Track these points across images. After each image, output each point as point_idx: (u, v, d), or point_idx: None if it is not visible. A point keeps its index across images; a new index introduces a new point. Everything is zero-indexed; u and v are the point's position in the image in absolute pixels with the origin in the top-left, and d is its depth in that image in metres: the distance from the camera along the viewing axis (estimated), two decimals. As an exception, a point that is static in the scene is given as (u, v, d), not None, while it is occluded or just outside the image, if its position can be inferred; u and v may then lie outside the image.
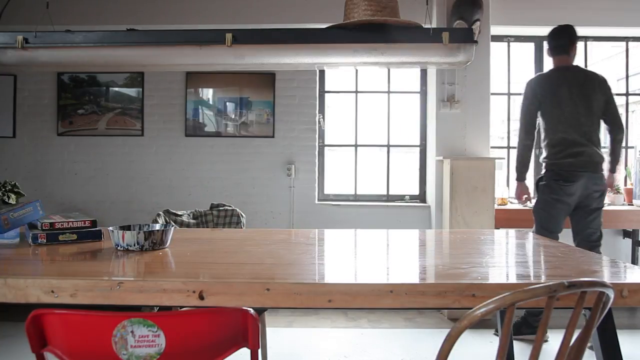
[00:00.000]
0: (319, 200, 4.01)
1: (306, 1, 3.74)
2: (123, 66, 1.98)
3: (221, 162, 4.00)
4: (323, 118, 4.07)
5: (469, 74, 3.50)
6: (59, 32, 1.69)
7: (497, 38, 3.92)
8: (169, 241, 1.63)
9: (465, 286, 1.15)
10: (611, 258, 1.50)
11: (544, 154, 2.95)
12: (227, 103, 3.99)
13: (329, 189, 4.08)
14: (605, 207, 3.61)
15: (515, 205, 3.68)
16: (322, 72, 4.07)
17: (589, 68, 4.44)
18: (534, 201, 3.04)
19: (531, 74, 4.10)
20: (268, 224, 3.96)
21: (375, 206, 3.94)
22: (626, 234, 3.87)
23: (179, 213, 2.52)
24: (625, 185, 3.89)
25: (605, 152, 2.99)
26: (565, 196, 2.84)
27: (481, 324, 2.65)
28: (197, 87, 4.00)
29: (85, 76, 4.00)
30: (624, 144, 4.08)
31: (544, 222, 2.93)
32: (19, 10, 3.17)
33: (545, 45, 3.10)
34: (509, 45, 4.03)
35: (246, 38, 1.62)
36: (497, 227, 3.35)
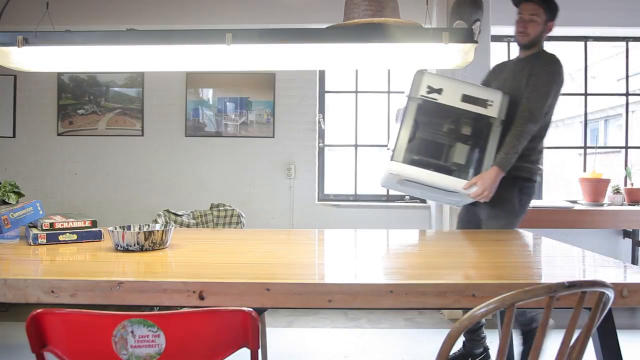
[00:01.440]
0: (319, 200, 4.01)
1: (306, 1, 3.74)
2: (123, 66, 1.98)
3: (221, 162, 4.00)
4: (323, 118, 4.07)
5: (469, 74, 3.49)
6: (59, 32, 1.69)
7: (497, 38, 3.92)
8: (169, 241, 1.63)
9: (465, 286, 1.15)
10: (611, 258, 1.50)
11: (535, 156, 2.39)
12: (227, 103, 3.99)
13: (329, 189, 4.08)
14: (605, 207, 3.62)
15: (515, 205, 3.67)
16: (322, 72, 4.07)
17: (589, 68, 4.45)
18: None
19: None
20: (268, 224, 3.96)
21: (375, 206, 3.94)
22: (626, 234, 3.88)
23: (179, 213, 2.52)
24: (625, 185, 3.89)
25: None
26: None
27: (481, 324, 2.65)
28: (197, 87, 4.00)
29: (85, 76, 4.00)
30: (623, 144, 4.11)
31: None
32: (19, 10, 3.17)
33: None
34: (509, 45, 4.03)
35: (246, 38, 1.61)
36: (497, 227, 3.35)
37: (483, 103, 2.20)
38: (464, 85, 2.29)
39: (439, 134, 2.29)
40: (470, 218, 2.49)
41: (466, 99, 2.20)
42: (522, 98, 2.28)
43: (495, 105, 2.21)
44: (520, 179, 2.30)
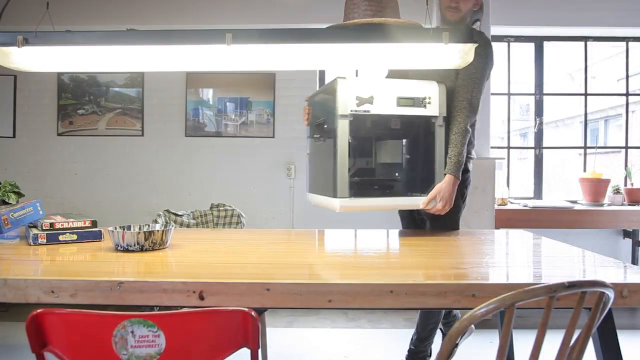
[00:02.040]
0: (319, 200, 4.00)
1: (306, 1, 3.74)
2: (123, 66, 1.98)
3: (221, 162, 4.00)
4: (323, 118, 4.07)
5: (469, 74, 3.49)
6: (59, 32, 1.69)
7: (497, 38, 3.92)
8: (169, 241, 1.63)
9: (465, 286, 1.15)
10: (611, 258, 1.50)
11: (469, 146, 2.23)
12: (227, 103, 3.99)
13: (329, 189, 4.08)
14: (605, 207, 3.62)
15: (515, 206, 3.68)
16: (322, 72, 4.06)
17: (589, 68, 4.45)
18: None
19: (531, 74, 4.11)
20: (268, 224, 3.96)
21: (375, 206, 3.94)
22: (626, 234, 3.88)
23: (179, 213, 2.52)
24: (625, 185, 3.89)
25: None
26: None
27: (481, 324, 2.65)
28: (197, 87, 4.00)
29: (85, 76, 4.00)
30: (623, 144, 4.11)
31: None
32: (19, 10, 3.17)
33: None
34: (509, 45, 4.03)
35: (246, 38, 1.61)
36: (497, 227, 3.35)
37: (421, 102, 1.94)
38: (395, 84, 1.98)
39: (379, 148, 2.03)
40: (413, 217, 2.37)
41: (402, 102, 1.92)
42: (455, 85, 2.08)
43: (434, 101, 1.95)
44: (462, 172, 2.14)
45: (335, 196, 1.88)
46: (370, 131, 2.00)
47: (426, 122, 1.99)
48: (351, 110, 1.86)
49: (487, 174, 3.33)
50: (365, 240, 1.98)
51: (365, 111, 1.88)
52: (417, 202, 1.97)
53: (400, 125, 2.00)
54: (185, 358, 0.92)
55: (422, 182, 2.01)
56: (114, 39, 1.67)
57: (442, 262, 1.51)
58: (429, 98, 1.95)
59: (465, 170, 2.20)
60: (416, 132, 2.02)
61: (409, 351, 2.44)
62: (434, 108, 1.96)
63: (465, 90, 2.06)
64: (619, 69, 4.86)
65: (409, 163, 2.05)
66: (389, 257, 1.57)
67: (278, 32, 1.62)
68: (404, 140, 2.04)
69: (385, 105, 1.90)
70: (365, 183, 1.99)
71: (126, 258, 1.46)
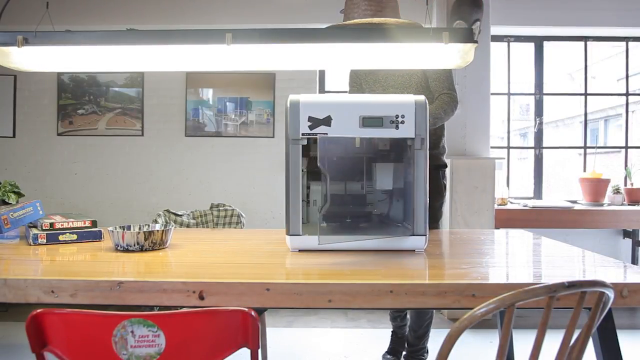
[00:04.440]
0: (319, 200, 4.01)
1: (306, 1, 3.74)
2: (123, 66, 1.98)
3: (221, 162, 4.00)
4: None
5: (469, 74, 3.50)
6: (59, 32, 1.69)
7: (497, 38, 3.92)
8: (169, 241, 1.63)
9: (465, 286, 1.15)
10: (611, 258, 1.50)
11: (444, 142, 2.45)
12: (227, 103, 3.99)
13: (329, 189, 4.08)
14: (605, 207, 3.62)
15: (515, 206, 3.68)
16: (322, 72, 4.07)
17: (589, 68, 4.45)
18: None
19: (531, 74, 4.11)
20: (268, 224, 3.96)
21: (375, 206, 3.94)
22: (626, 234, 3.88)
23: (179, 213, 2.52)
24: (625, 185, 3.89)
25: None
26: None
27: (481, 324, 2.65)
28: (197, 87, 4.00)
29: (85, 76, 4.00)
30: (623, 143, 4.11)
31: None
32: (19, 10, 3.17)
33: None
34: (509, 45, 4.03)
35: (246, 38, 1.61)
36: (497, 227, 3.36)
37: (392, 122, 1.60)
38: (358, 101, 1.68)
39: (347, 177, 1.74)
40: None
41: (368, 122, 1.60)
42: (425, 84, 2.22)
43: (408, 120, 1.59)
44: (442, 166, 2.39)
45: (287, 233, 1.64)
46: (333, 157, 1.71)
47: (400, 146, 1.67)
48: (303, 134, 1.59)
49: (487, 174, 3.33)
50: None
51: (321, 134, 1.60)
52: (396, 242, 1.67)
53: (368, 150, 1.71)
54: (185, 358, 0.92)
55: (400, 217, 1.72)
56: (114, 39, 1.67)
57: (442, 262, 1.50)
58: (402, 117, 1.60)
59: (444, 165, 2.41)
60: (390, 157, 1.73)
61: (407, 350, 2.45)
62: (408, 128, 1.60)
63: (447, 80, 2.22)
64: (619, 69, 4.86)
65: (382, 195, 1.76)
66: (389, 256, 1.57)
67: (278, 32, 1.62)
68: (378, 168, 1.72)
69: (347, 126, 1.60)
70: (329, 219, 1.72)
71: (126, 258, 1.46)
